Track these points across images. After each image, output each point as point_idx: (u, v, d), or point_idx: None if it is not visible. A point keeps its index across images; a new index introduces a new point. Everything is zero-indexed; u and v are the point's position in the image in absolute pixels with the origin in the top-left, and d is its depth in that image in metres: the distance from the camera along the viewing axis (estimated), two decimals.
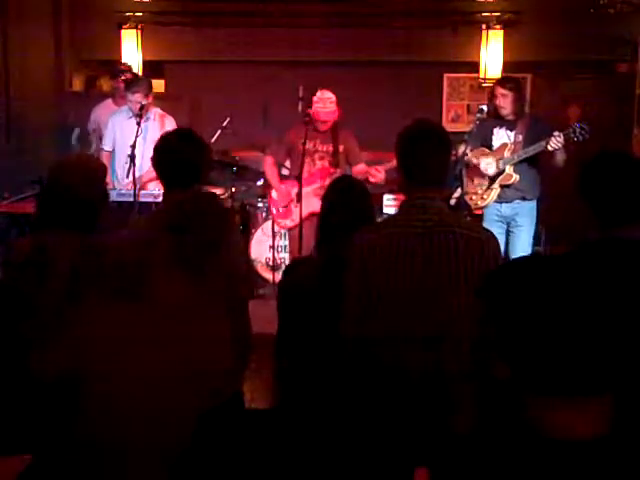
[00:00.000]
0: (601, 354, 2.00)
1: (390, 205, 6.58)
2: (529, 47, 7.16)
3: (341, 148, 5.08)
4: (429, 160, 2.39)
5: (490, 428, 2.34)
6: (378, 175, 4.93)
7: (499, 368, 2.21)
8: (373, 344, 2.37)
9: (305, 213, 4.98)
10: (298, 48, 7.08)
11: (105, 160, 5.25)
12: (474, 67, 7.25)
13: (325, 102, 4.92)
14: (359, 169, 5.06)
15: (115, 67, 6.32)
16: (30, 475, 1.83)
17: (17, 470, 1.82)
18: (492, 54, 7.22)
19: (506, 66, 7.20)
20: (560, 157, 4.56)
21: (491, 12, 7.20)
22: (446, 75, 7.59)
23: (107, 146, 5.33)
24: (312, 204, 4.82)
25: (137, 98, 5.07)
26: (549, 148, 4.48)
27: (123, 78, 5.87)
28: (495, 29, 7.20)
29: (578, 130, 4.39)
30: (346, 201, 2.71)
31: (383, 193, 6.62)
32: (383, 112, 7.00)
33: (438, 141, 2.41)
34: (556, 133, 4.42)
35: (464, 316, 2.30)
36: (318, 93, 4.95)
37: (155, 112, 5.26)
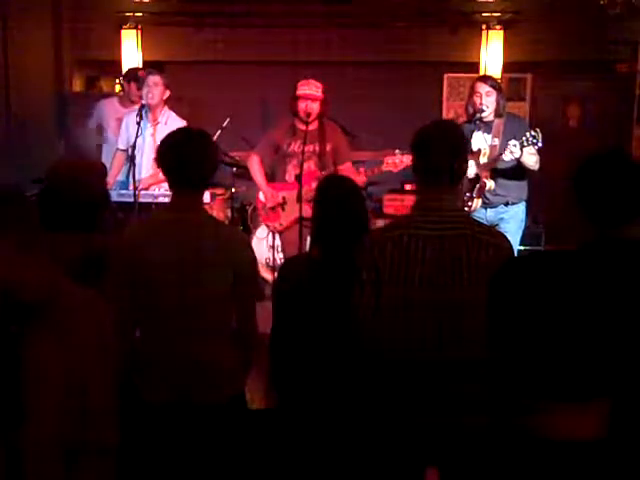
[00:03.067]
0: (601, 357, 2.00)
1: (390, 205, 6.58)
2: (529, 47, 7.15)
3: (328, 147, 4.87)
4: (443, 162, 2.37)
5: (496, 429, 2.34)
6: (362, 180, 4.75)
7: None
8: (383, 344, 2.37)
9: (292, 218, 4.86)
10: (298, 48, 7.08)
11: (120, 159, 5.23)
12: (474, 67, 7.24)
13: (311, 85, 4.77)
14: (344, 169, 4.83)
15: (132, 71, 6.26)
16: None
17: None
18: (492, 54, 7.22)
19: (506, 66, 7.20)
20: (528, 161, 4.43)
21: (491, 12, 7.20)
22: (446, 75, 7.59)
23: (122, 145, 5.26)
24: (298, 209, 4.73)
25: (155, 79, 4.99)
26: (505, 158, 4.36)
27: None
28: (495, 29, 7.20)
29: (530, 138, 4.34)
30: (337, 200, 2.70)
31: (384, 193, 6.63)
32: (383, 112, 7.01)
33: (453, 143, 2.39)
34: (512, 142, 4.36)
35: (475, 317, 2.30)
36: (304, 80, 4.84)
37: (168, 116, 5.13)
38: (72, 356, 1.64)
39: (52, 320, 1.63)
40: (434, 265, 2.29)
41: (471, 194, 4.63)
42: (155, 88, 5.00)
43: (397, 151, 4.61)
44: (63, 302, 1.67)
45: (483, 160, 4.59)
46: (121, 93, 6.65)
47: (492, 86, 4.62)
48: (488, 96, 4.58)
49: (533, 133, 4.33)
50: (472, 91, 4.68)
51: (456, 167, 2.39)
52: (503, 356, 2.16)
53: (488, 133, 4.63)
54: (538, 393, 2.06)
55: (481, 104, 4.57)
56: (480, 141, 4.65)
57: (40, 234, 2.01)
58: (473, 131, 4.66)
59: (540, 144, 4.33)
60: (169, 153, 2.60)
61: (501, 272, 2.19)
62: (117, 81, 7.42)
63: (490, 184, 4.58)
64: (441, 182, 2.37)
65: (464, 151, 2.43)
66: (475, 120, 4.65)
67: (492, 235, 2.36)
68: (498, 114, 4.63)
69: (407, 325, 2.33)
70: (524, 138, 4.32)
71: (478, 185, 4.59)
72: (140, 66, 7.13)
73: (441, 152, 2.36)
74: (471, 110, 4.67)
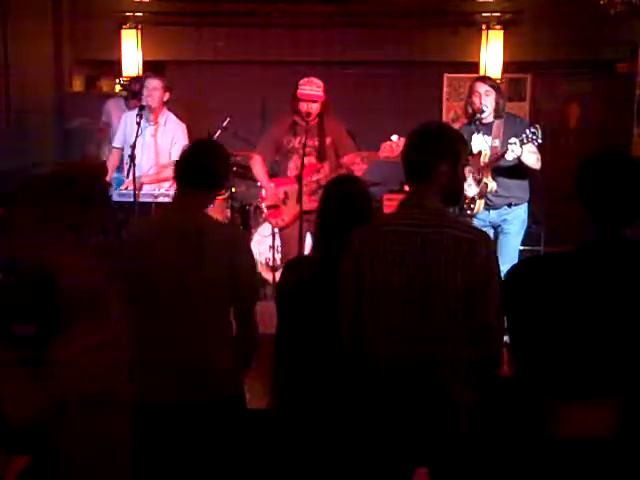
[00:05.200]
0: (613, 355, 2.00)
1: (390, 205, 6.58)
2: (529, 47, 7.16)
3: (328, 141, 4.87)
4: (424, 162, 2.39)
5: (495, 428, 2.35)
6: (362, 168, 4.75)
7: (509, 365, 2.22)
8: (369, 343, 2.37)
9: (293, 213, 4.90)
10: (298, 48, 7.09)
11: (116, 157, 5.25)
12: (474, 67, 7.25)
13: (312, 85, 4.77)
14: (347, 160, 4.82)
15: (137, 79, 6.32)
16: (30, 475, 1.83)
17: (17, 470, 1.82)
18: (492, 54, 7.22)
19: (506, 66, 7.20)
20: (529, 159, 4.42)
21: (491, 12, 7.21)
22: (446, 75, 7.59)
23: (117, 143, 5.29)
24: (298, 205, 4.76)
25: (155, 83, 5.03)
26: (507, 157, 4.35)
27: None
28: (495, 29, 7.20)
29: (530, 135, 4.32)
30: (345, 201, 2.70)
31: (383, 193, 6.62)
32: (383, 112, 7.01)
33: (439, 141, 2.41)
34: (512, 140, 4.35)
35: (458, 315, 2.30)
36: (306, 78, 4.82)
37: (167, 117, 5.17)
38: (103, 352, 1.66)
39: (92, 318, 1.64)
40: (415, 262, 2.30)
41: (472, 198, 4.62)
42: (154, 92, 5.03)
43: (394, 136, 4.59)
44: (105, 302, 1.69)
45: (483, 161, 4.57)
46: (123, 93, 6.69)
47: (491, 86, 4.60)
48: (487, 96, 4.56)
49: (532, 129, 4.33)
50: (471, 91, 4.66)
51: (440, 169, 2.39)
52: (517, 355, 2.17)
53: (488, 135, 4.62)
54: (550, 391, 2.07)
55: (480, 104, 4.56)
56: (480, 143, 4.63)
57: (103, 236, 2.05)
58: (473, 133, 4.66)
59: (540, 140, 4.33)
60: (186, 157, 2.66)
61: (513, 275, 2.20)
62: (117, 81, 7.43)
63: (492, 185, 4.57)
64: (423, 181, 2.38)
65: (450, 150, 2.43)
66: (474, 121, 4.65)
67: (472, 232, 2.37)
68: (497, 115, 4.62)
69: (391, 324, 2.33)
70: (524, 135, 4.31)
71: (479, 187, 4.58)
72: (141, 69, 7.17)
73: (423, 152, 2.39)
74: (470, 110, 4.66)
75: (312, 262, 2.76)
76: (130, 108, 5.98)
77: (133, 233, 2.72)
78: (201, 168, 2.62)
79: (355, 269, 2.37)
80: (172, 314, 2.52)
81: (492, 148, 4.58)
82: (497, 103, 4.60)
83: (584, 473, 2.05)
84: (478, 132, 4.63)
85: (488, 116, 4.61)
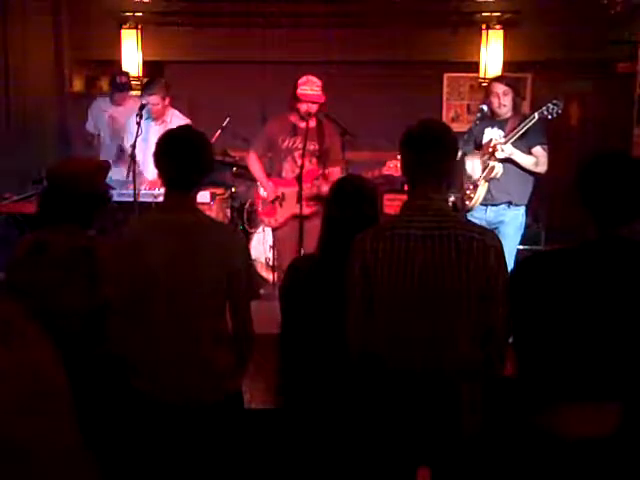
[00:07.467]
0: (615, 354, 2.00)
1: (390, 205, 6.58)
2: (529, 47, 7.16)
3: (325, 147, 4.90)
4: (430, 161, 2.37)
5: (497, 428, 2.34)
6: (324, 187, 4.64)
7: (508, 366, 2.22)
8: (376, 345, 2.37)
9: (287, 215, 4.90)
10: (298, 48, 7.08)
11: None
12: (474, 67, 7.25)
13: (312, 85, 4.77)
14: (331, 172, 4.85)
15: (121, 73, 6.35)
16: None
17: None
18: (492, 54, 7.23)
19: (506, 66, 7.20)
20: (523, 161, 4.52)
21: (491, 12, 7.21)
22: (446, 75, 7.60)
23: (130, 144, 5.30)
24: (295, 207, 4.77)
25: (153, 100, 5.06)
26: (497, 156, 4.50)
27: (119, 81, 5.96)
28: (495, 29, 7.21)
29: (551, 107, 4.43)
30: (351, 202, 2.68)
31: (383, 193, 6.62)
32: (383, 112, 7.01)
33: (440, 142, 2.39)
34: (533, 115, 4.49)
35: (466, 317, 2.30)
36: (304, 77, 4.81)
37: (172, 114, 5.21)
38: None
39: None
40: (424, 264, 2.29)
41: (475, 183, 4.65)
42: (154, 107, 5.07)
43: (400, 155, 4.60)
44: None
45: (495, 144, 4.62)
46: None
47: (507, 85, 4.71)
48: (505, 95, 4.67)
49: (555, 101, 4.42)
50: (488, 91, 4.77)
51: (444, 167, 2.38)
52: (520, 355, 2.17)
53: (502, 129, 4.69)
54: (552, 391, 2.07)
55: (500, 104, 4.66)
56: (493, 134, 4.71)
57: None
58: (486, 128, 4.74)
59: (560, 111, 4.43)
60: (162, 153, 2.58)
61: (515, 275, 2.20)
62: None
63: (498, 169, 4.58)
64: (429, 181, 2.37)
65: (449, 150, 2.42)
66: (477, 120, 4.74)
67: (481, 233, 2.35)
68: (515, 112, 4.73)
69: (400, 326, 2.32)
70: (544, 108, 4.41)
71: (487, 169, 4.61)
72: (141, 69, 7.17)
73: (429, 151, 2.36)
74: (489, 112, 4.74)
75: (316, 262, 2.75)
76: (118, 104, 6.01)
77: (128, 233, 2.71)
78: (177, 170, 2.53)
79: (363, 273, 2.35)
80: (168, 314, 2.52)
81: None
82: (514, 100, 4.69)
83: (585, 473, 2.05)
84: (492, 126, 4.71)
85: (506, 114, 4.70)
